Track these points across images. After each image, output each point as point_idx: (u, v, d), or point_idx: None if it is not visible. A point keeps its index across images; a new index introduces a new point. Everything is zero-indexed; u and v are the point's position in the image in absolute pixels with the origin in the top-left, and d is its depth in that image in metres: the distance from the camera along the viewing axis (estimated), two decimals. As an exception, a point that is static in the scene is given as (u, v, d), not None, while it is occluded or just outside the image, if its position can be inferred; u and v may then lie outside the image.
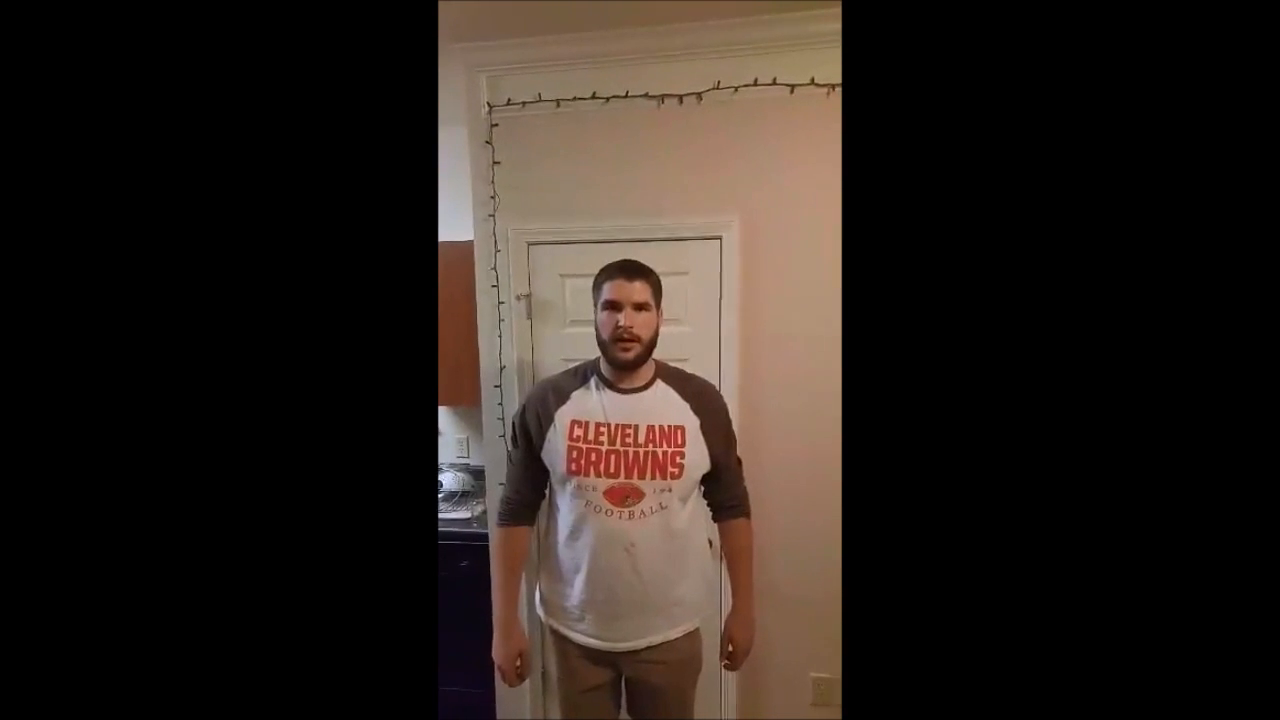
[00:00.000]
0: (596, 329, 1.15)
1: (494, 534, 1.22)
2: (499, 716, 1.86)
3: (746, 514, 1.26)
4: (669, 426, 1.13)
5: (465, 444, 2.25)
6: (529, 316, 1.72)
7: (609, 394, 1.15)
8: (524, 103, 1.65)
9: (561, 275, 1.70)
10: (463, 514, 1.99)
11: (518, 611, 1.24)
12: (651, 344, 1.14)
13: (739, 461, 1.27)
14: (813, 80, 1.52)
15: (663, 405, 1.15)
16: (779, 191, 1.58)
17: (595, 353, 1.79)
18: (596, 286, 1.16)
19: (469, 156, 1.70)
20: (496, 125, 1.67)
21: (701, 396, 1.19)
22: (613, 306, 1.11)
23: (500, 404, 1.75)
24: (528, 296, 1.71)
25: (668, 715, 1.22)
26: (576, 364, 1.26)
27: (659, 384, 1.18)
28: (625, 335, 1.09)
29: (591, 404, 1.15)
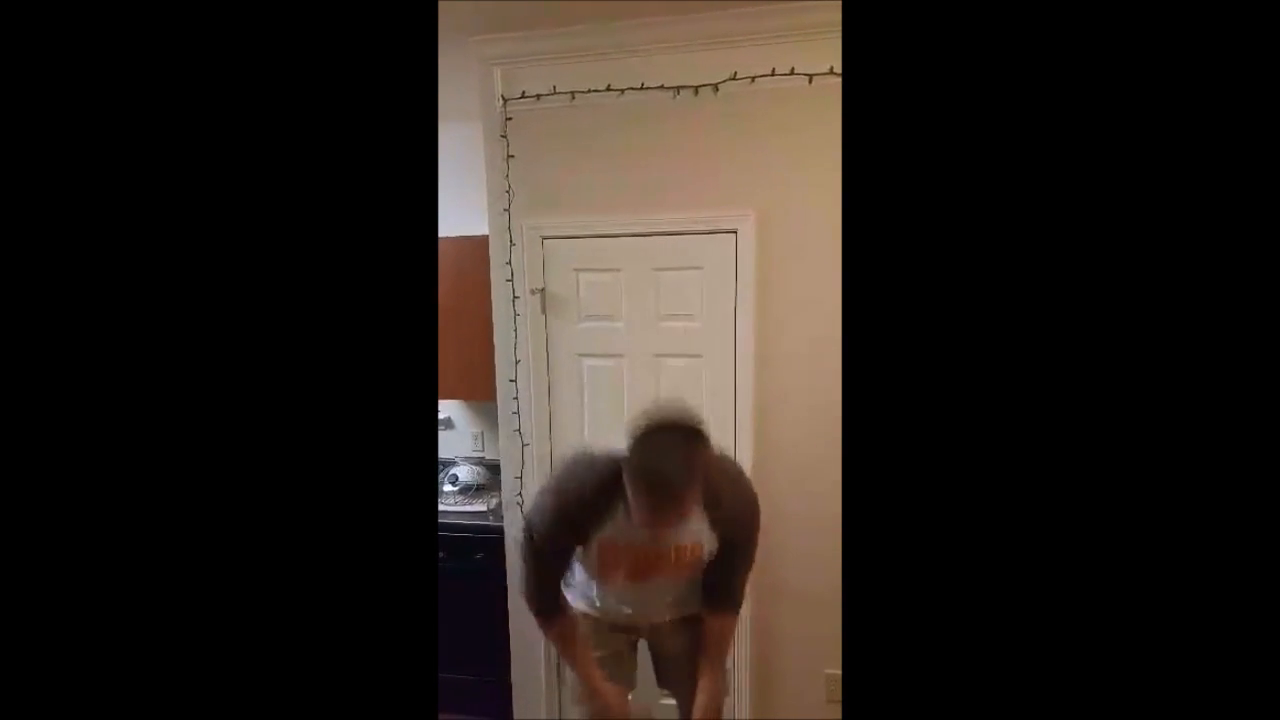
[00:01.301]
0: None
1: (549, 627, 1.18)
2: (514, 704, 1.89)
3: (736, 608, 1.21)
4: (690, 545, 1.10)
5: (480, 438, 2.27)
6: (543, 311, 1.72)
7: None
8: (538, 95, 1.64)
9: (576, 269, 1.69)
10: (478, 507, 2.01)
11: (600, 676, 1.20)
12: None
13: (750, 564, 1.19)
14: (831, 69, 1.48)
15: (692, 530, 1.09)
16: (795, 185, 1.55)
17: (607, 349, 1.78)
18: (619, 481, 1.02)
19: (483, 150, 1.70)
20: (511, 119, 1.67)
21: (731, 524, 1.11)
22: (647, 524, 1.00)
23: (515, 398, 1.76)
24: (542, 291, 1.71)
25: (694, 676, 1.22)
26: (603, 458, 1.10)
27: (691, 519, 1.07)
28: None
29: (623, 531, 1.07)
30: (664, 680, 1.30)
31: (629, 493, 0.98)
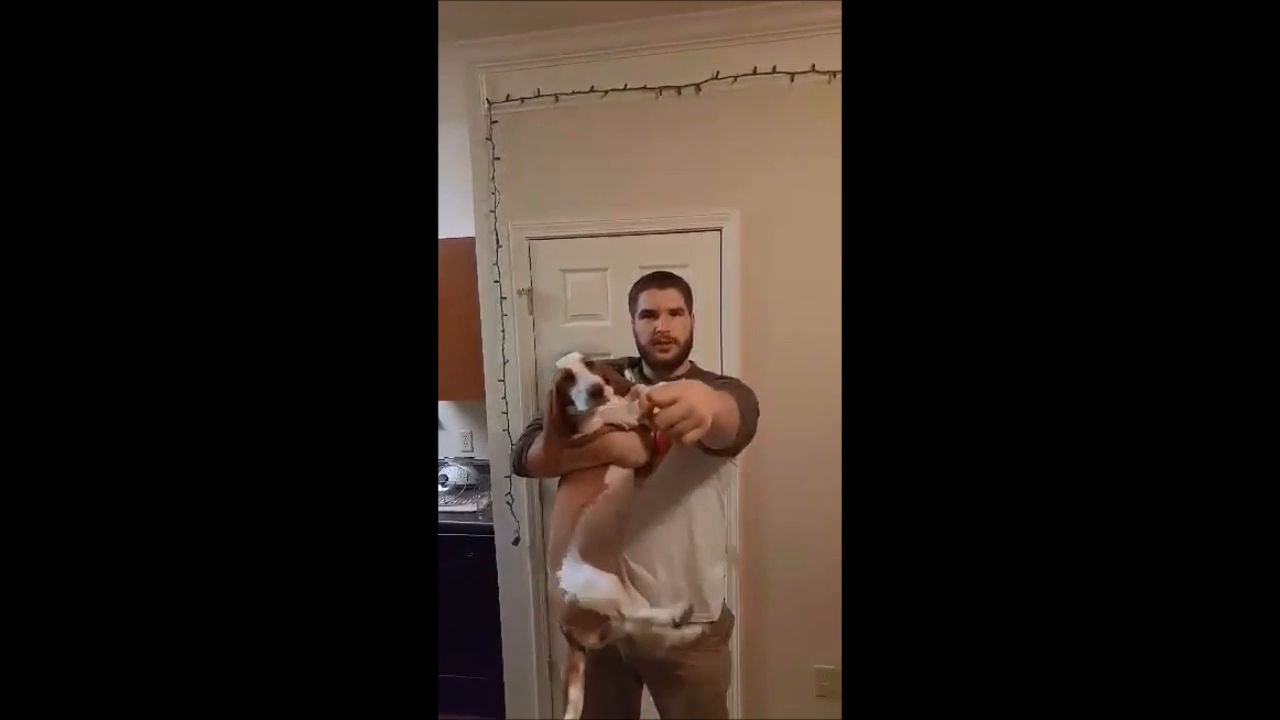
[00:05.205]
0: (635, 336, 1.24)
1: (530, 448, 1.15)
2: (507, 705, 1.89)
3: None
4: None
5: (469, 438, 2.27)
6: (531, 311, 1.73)
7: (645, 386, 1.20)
8: (523, 98, 1.65)
9: (562, 270, 1.70)
10: (468, 507, 2.01)
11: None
12: (688, 344, 1.23)
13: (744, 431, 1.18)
14: (813, 67, 1.50)
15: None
16: (779, 182, 1.57)
17: (595, 347, 1.79)
18: (632, 298, 1.25)
19: (469, 153, 1.71)
20: (496, 122, 1.68)
21: (728, 387, 1.19)
22: (649, 315, 1.21)
23: (504, 398, 1.77)
24: (529, 291, 1.72)
25: (696, 707, 1.21)
26: (614, 358, 1.33)
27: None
28: (663, 338, 1.19)
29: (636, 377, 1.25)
30: (662, 705, 1.26)
31: (636, 290, 1.24)
